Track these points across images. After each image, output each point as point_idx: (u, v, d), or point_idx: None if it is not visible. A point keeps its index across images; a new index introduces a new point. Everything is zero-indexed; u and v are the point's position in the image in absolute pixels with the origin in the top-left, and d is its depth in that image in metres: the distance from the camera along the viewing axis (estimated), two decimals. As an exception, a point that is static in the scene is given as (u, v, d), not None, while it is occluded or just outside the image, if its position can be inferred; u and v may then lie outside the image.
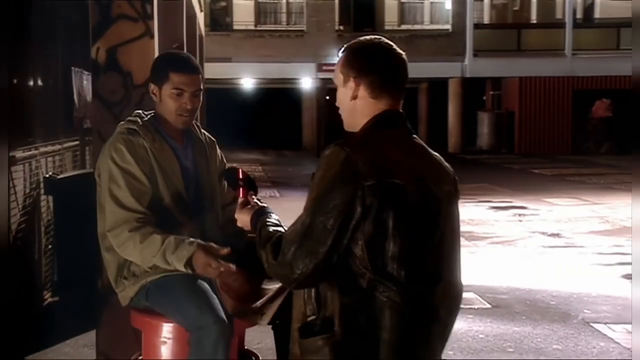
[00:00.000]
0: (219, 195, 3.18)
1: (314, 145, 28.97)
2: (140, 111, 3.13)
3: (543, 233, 10.47)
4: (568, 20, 27.22)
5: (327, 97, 25.38)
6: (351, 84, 2.26)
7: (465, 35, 26.84)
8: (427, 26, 28.60)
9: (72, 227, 5.98)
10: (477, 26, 27.23)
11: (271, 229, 2.27)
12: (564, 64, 26.89)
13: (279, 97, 29.73)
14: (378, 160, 2.14)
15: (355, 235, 2.09)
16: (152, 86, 3.07)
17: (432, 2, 29.14)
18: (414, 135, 2.30)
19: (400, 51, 2.30)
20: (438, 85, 28.89)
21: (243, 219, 2.45)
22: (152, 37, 3.87)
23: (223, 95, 26.56)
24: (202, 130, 3.23)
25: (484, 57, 26.61)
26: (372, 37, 2.32)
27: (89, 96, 8.26)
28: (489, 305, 6.46)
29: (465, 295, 7.47)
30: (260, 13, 28.59)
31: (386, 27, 27.67)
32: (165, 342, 2.92)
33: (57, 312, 6.10)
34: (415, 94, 31.15)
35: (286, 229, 2.24)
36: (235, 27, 27.59)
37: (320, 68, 26.25)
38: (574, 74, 26.93)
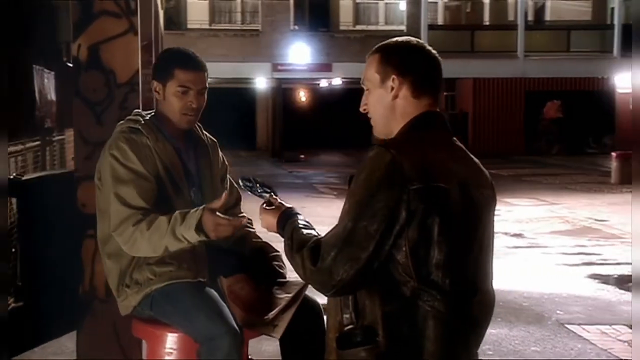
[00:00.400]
0: None
1: (269, 146, 28.85)
2: (139, 110, 3.01)
3: (506, 233, 10.52)
4: (520, 22, 27.52)
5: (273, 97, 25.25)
6: (391, 83, 2.18)
7: (419, 36, 26.92)
8: (382, 27, 28.64)
9: (38, 230, 5.78)
10: (432, 27, 27.36)
11: (305, 232, 2.18)
12: (516, 65, 27.18)
13: (233, 97, 29.51)
14: (423, 163, 2.06)
15: (398, 242, 2.01)
16: (155, 84, 2.94)
17: (386, 3, 29.23)
18: (454, 138, 2.23)
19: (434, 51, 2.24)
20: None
21: (269, 221, 2.34)
22: (136, 33, 3.72)
23: (177, 95, 26.19)
24: (204, 132, 3.11)
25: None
26: (404, 37, 2.26)
27: (50, 95, 8.04)
28: (463, 307, 6.44)
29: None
30: (215, 12, 28.34)
31: (341, 28, 27.72)
32: (170, 353, 2.77)
33: (23, 318, 5.89)
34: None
35: (320, 233, 2.15)
36: (189, 26, 27.29)
37: (275, 68, 26.14)
38: (526, 75, 27.25)
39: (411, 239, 2.01)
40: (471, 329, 2.13)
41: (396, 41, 2.25)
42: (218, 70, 28.20)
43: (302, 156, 25.69)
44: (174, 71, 2.88)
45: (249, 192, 2.56)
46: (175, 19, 27.46)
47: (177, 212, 2.74)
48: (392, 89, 2.18)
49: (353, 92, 31.30)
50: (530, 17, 28.74)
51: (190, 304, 2.73)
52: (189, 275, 2.81)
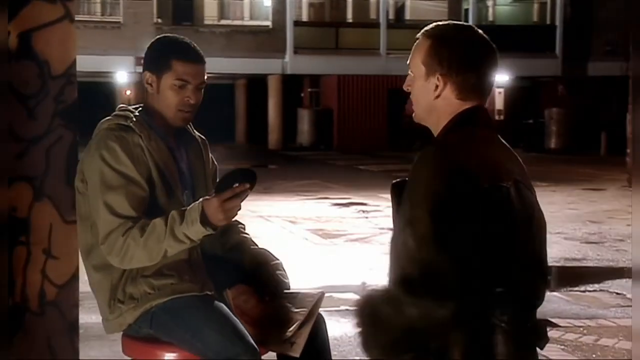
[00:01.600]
0: None
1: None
2: (124, 105, 2.72)
3: (392, 229, 10.61)
4: (382, 21, 28.08)
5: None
6: (435, 81, 1.98)
7: (285, 32, 26.96)
8: (247, 22, 28.47)
9: None
10: (297, 23, 27.44)
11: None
12: (379, 63, 27.71)
13: (93, 91, 28.42)
14: (486, 161, 1.89)
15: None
16: (147, 75, 2.66)
17: (252, -2, 29.09)
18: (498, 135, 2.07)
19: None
20: (256, 82, 28.86)
21: None
22: (72, 20, 3.39)
23: (33, 89, 24.97)
24: (194, 129, 2.86)
25: (304, 55, 26.87)
26: (462, 24, 2.03)
27: None
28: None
29: (343, 295, 7.31)
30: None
31: (206, 22, 27.27)
32: (172, 375, 2.48)
33: None
34: (232, 90, 30.96)
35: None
36: (45, 17, 26.04)
37: (138, 62, 25.33)
38: (389, 73, 27.80)
39: (483, 246, 1.86)
40: (532, 342, 2.01)
41: (451, 27, 2.01)
42: (78, 64, 27.12)
43: None
44: (171, 62, 2.62)
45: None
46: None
47: (172, 211, 2.49)
48: (436, 87, 1.99)
49: (219, 88, 30.87)
50: (391, 16, 29.36)
51: (200, 320, 2.47)
52: (194, 288, 2.55)
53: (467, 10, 29.95)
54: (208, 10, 28.15)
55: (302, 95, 30.75)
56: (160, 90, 2.64)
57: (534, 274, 1.96)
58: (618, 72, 24.72)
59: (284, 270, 2.74)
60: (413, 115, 2.10)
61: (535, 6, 32.50)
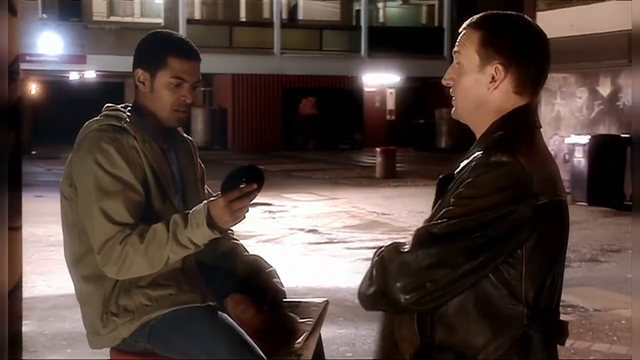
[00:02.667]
0: None
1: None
2: (112, 104, 2.52)
3: (301, 230, 10.57)
4: (276, 20, 28.02)
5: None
6: (492, 72, 1.83)
7: (177, 30, 26.46)
8: (138, 19, 27.82)
9: None
10: (190, 22, 27.01)
11: None
12: (273, 62, 27.63)
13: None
14: (546, 173, 1.80)
15: (511, 262, 1.77)
16: (140, 73, 2.47)
17: (143, -5, 28.45)
18: None
19: None
20: (147, 80, 28.25)
21: None
22: (15, 14, 3.12)
23: None
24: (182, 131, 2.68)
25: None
26: (511, 13, 1.88)
27: None
28: (298, 308, 6.32)
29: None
30: (-48, -5, 25.85)
31: (95, 18, 26.48)
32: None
33: None
34: (122, 88, 30.20)
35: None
36: None
37: (23, 58, 24.32)
38: (283, 73, 27.79)
39: (529, 259, 1.77)
40: (557, 338, 1.95)
41: (507, 16, 1.86)
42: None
43: (34, 152, 24.37)
44: (166, 59, 2.44)
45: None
46: None
47: (174, 215, 2.32)
48: (493, 79, 1.84)
49: (109, 85, 29.95)
50: (284, 16, 29.34)
51: (206, 333, 2.30)
52: (195, 299, 2.37)
53: (358, 11, 30.29)
54: (96, 7, 27.34)
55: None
56: (154, 89, 2.48)
57: (560, 286, 1.92)
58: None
59: (279, 278, 2.61)
60: (452, 111, 1.96)
61: (424, 9, 33.20)
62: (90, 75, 27.27)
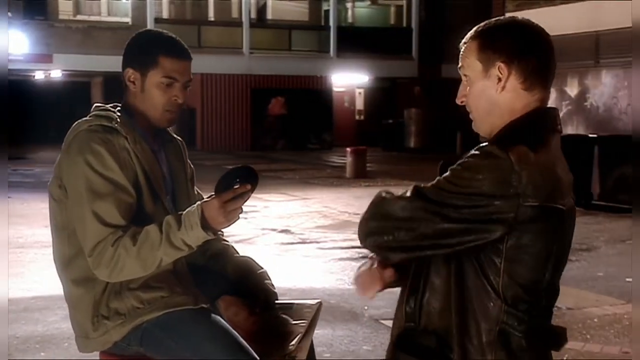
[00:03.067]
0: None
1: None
2: (101, 104, 2.48)
3: (273, 230, 10.54)
4: (245, 20, 27.96)
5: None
6: (497, 71, 1.86)
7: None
8: (105, 18, 27.59)
9: None
10: (158, 21, 26.83)
11: None
12: (242, 62, 27.58)
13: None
14: (543, 177, 1.79)
15: (492, 257, 1.81)
16: (129, 72, 2.42)
17: (110, -6, 28.22)
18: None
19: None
20: (114, 80, 28.00)
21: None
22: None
23: None
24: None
25: (166, 53, 26.32)
26: (506, 17, 1.94)
27: None
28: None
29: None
30: None
31: (61, 17, 26.20)
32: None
33: None
34: (89, 88, 29.94)
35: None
36: None
37: (-13, 57, 24.03)
38: (252, 73, 27.74)
39: (508, 257, 1.80)
40: (548, 342, 1.97)
41: (498, 21, 1.92)
42: None
43: None
44: (157, 58, 2.40)
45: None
46: None
47: (167, 217, 2.30)
48: (499, 79, 1.86)
49: (76, 85, 29.63)
50: (253, 16, 29.28)
51: (200, 335, 2.27)
52: (188, 301, 2.35)
53: (327, 11, 30.32)
54: (62, 5, 27.07)
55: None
56: (145, 88, 2.44)
57: (555, 286, 1.94)
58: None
59: (270, 279, 2.60)
60: (473, 125, 1.97)
61: (392, 9, 33.33)
62: (57, 74, 26.97)
